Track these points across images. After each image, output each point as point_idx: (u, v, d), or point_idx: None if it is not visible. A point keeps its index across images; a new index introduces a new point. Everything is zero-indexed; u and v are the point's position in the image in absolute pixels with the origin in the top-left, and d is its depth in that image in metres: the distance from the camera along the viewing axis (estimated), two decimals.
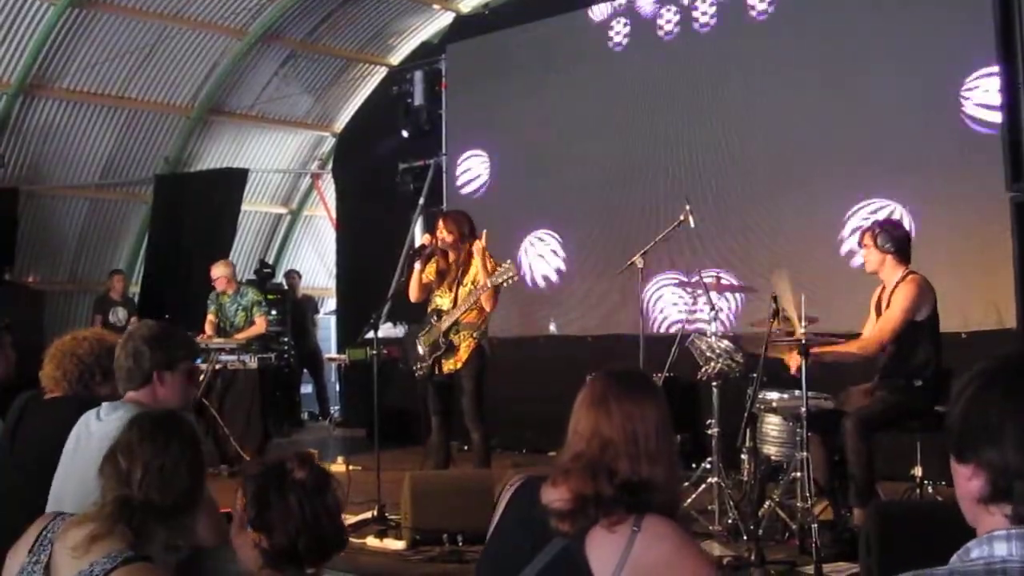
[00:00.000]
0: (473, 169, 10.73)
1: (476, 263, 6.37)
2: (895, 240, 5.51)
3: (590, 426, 2.28)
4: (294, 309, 12.68)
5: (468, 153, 10.79)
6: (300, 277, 13.44)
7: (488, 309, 6.42)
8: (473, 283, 6.38)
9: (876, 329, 5.52)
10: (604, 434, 2.25)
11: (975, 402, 1.49)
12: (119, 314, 11.22)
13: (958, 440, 1.51)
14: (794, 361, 5.43)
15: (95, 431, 3.17)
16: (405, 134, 11.35)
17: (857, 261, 5.73)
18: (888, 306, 5.50)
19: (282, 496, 2.20)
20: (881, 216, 7.23)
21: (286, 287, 12.95)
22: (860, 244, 5.67)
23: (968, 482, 1.49)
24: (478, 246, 6.38)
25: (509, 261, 6.37)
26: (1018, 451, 1.42)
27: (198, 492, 2.51)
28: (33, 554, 2.41)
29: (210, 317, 9.06)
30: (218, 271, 9.11)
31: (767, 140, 8.47)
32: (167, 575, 2.37)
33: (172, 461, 2.31)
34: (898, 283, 5.48)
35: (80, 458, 3.13)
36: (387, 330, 9.46)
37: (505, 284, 6.28)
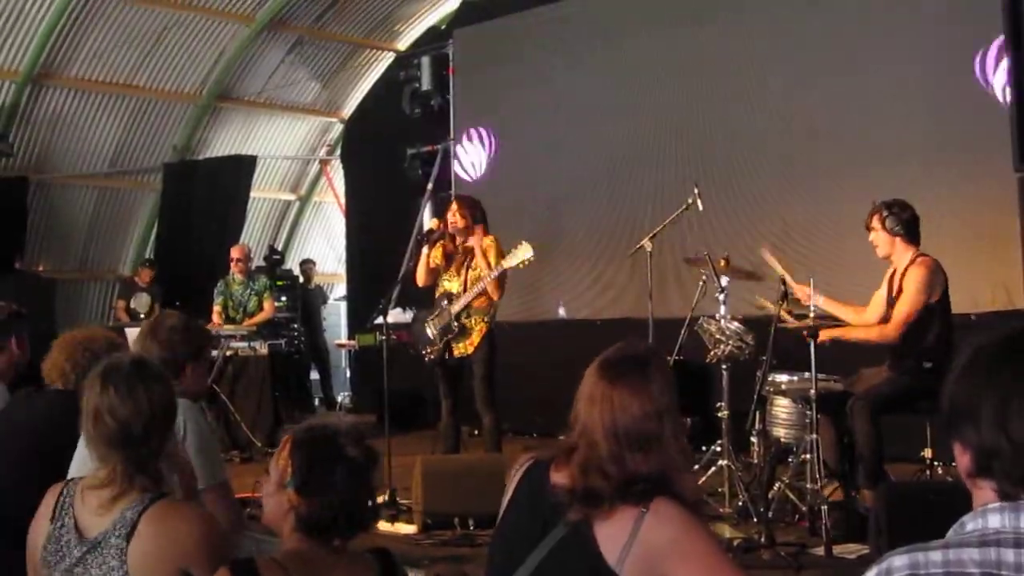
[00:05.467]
0: (478, 153, 10.74)
1: (480, 254, 6.35)
2: (903, 222, 5.42)
3: (580, 421, 2.29)
4: (305, 297, 12.71)
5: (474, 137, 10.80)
6: (315, 265, 13.45)
7: (495, 298, 6.42)
8: (481, 266, 6.38)
9: (895, 315, 5.40)
10: (589, 431, 2.26)
11: (960, 380, 1.52)
12: (142, 299, 11.07)
13: (946, 418, 1.54)
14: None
15: None
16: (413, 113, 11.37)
17: (866, 244, 5.68)
18: (899, 289, 5.44)
19: (331, 470, 2.22)
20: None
21: (300, 276, 12.96)
22: (867, 227, 5.53)
23: (960, 457, 1.53)
24: (488, 241, 6.39)
25: (524, 242, 6.29)
26: (992, 430, 1.45)
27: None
28: (57, 520, 2.51)
29: (216, 308, 9.10)
30: (238, 253, 9.25)
31: (775, 121, 8.44)
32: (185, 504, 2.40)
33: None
34: (908, 266, 5.42)
35: None
36: (396, 315, 9.45)
37: (521, 266, 6.26)
